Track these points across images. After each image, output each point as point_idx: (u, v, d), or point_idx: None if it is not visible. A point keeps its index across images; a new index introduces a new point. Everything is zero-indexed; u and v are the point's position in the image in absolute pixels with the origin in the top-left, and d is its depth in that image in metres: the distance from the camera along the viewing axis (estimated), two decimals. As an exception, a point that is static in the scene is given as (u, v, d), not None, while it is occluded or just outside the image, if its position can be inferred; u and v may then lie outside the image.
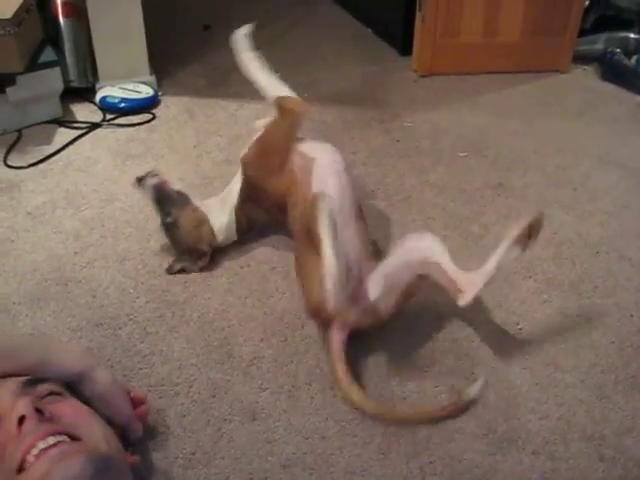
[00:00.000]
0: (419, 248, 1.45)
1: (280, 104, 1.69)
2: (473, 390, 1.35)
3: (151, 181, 1.65)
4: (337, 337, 1.39)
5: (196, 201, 1.70)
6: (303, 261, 1.49)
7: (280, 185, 1.63)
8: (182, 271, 1.68)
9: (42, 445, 0.86)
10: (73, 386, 1.12)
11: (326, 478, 1.22)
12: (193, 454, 1.26)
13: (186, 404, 1.35)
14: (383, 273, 1.43)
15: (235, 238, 1.74)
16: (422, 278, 1.44)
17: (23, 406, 0.88)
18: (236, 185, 1.73)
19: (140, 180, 1.66)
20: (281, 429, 1.30)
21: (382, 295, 1.41)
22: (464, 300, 1.40)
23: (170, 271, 1.67)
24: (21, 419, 0.87)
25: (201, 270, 1.68)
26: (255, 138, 1.71)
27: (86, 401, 1.11)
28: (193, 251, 1.67)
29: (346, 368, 1.35)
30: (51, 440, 0.89)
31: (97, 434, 1.01)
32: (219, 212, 1.71)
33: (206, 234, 1.68)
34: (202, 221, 1.68)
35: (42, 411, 0.94)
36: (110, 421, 1.13)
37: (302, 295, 1.52)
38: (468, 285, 1.41)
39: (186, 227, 1.66)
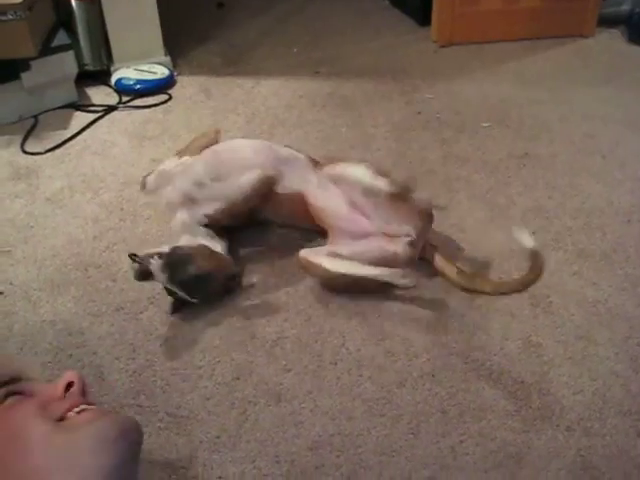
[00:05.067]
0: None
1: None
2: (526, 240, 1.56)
3: (148, 264, 1.42)
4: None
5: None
6: None
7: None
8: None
9: (84, 407, 0.89)
10: None
11: (354, 460, 1.19)
12: (218, 437, 1.23)
13: (210, 387, 1.33)
14: None
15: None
16: None
17: (72, 375, 0.92)
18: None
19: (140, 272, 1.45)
20: (307, 410, 1.27)
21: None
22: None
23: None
24: (69, 385, 0.91)
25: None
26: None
27: None
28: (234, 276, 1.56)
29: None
30: (91, 406, 0.94)
31: None
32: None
33: (226, 265, 1.53)
34: (208, 249, 1.53)
35: None
36: None
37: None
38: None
39: (213, 278, 1.49)
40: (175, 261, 1.43)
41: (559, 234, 1.69)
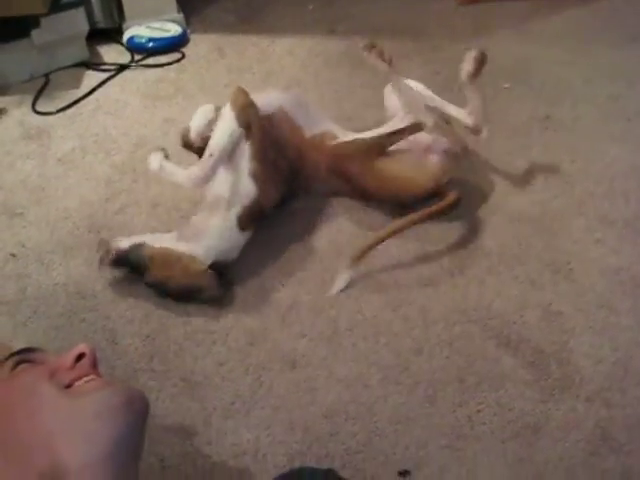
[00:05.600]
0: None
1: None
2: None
3: (107, 261, 1.42)
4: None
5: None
6: (381, 173, 1.55)
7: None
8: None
9: (92, 377, 0.89)
10: None
11: (370, 428, 1.17)
12: (232, 403, 1.22)
13: (223, 352, 1.32)
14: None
15: (236, 255, 1.48)
16: None
17: (84, 347, 0.92)
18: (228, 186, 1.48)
19: (102, 261, 1.44)
20: (322, 377, 1.26)
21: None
22: (476, 124, 1.60)
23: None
24: (79, 356, 0.90)
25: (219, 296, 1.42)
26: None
27: None
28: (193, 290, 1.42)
29: None
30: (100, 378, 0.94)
31: None
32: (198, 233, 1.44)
33: (195, 274, 1.39)
34: (181, 259, 1.39)
35: None
36: None
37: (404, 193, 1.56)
38: (473, 114, 1.60)
39: (177, 281, 1.40)
40: (130, 262, 1.42)
41: (581, 199, 1.64)
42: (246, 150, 1.48)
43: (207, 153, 1.45)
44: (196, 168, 1.45)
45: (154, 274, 1.40)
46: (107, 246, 1.43)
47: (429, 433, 1.17)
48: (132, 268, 1.43)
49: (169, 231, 1.50)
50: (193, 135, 1.60)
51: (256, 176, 1.48)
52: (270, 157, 1.52)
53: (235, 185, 1.47)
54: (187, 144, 1.63)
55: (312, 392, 1.24)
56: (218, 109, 1.58)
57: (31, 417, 0.81)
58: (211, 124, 1.55)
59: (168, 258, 1.39)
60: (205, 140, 1.51)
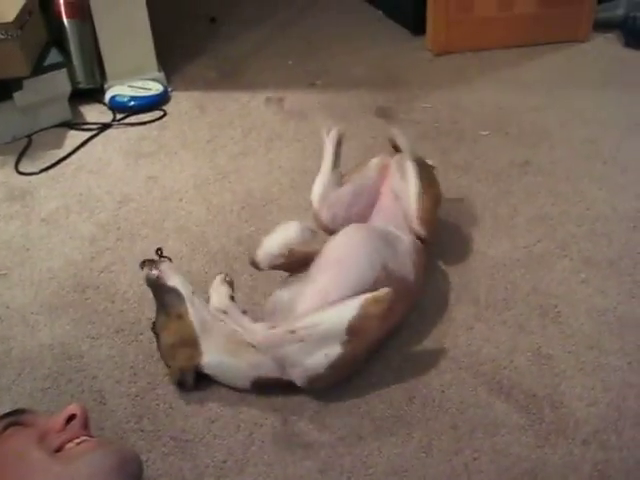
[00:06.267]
0: None
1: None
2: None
3: (149, 273, 1.35)
4: None
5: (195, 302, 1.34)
6: None
7: None
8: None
9: (84, 438, 0.90)
10: None
11: (366, 481, 1.15)
12: (224, 462, 1.20)
13: (214, 409, 1.30)
14: None
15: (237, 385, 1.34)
16: None
17: (75, 407, 0.93)
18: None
19: (144, 264, 1.37)
20: (315, 431, 1.24)
21: None
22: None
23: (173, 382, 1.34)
24: (70, 417, 0.91)
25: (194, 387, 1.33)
26: None
27: None
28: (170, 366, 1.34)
29: None
30: (91, 439, 0.94)
31: None
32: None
33: (182, 359, 1.31)
34: (184, 341, 1.31)
35: None
36: None
37: None
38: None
39: (164, 341, 1.34)
40: (155, 293, 1.36)
41: (564, 242, 1.66)
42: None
43: (293, 328, 1.22)
44: (265, 335, 1.23)
45: (165, 333, 1.33)
46: (158, 263, 1.36)
47: (426, 484, 1.15)
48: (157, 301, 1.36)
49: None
50: (261, 256, 1.36)
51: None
52: None
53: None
54: (254, 263, 1.38)
55: (306, 447, 1.21)
56: (305, 231, 1.34)
57: None
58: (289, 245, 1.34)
59: (184, 331, 1.31)
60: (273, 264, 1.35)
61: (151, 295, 1.38)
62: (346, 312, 1.22)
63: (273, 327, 1.23)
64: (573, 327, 1.43)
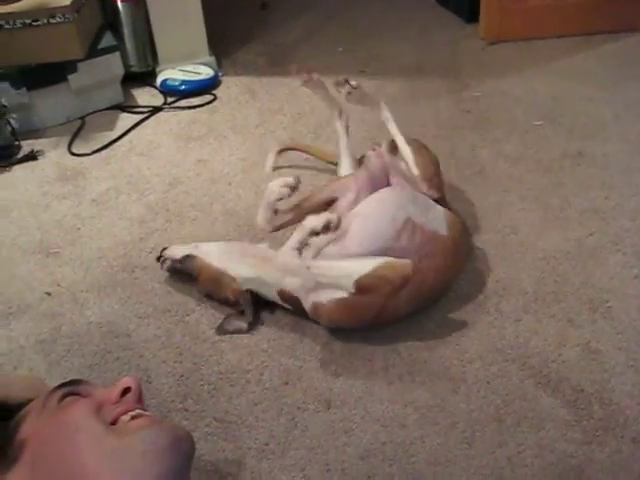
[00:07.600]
0: None
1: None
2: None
3: (166, 267, 1.55)
4: None
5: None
6: None
7: None
8: (234, 333, 1.44)
9: (138, 412, 0.91)
10: None
11: (407, 469, 1.15)
12: (266, 444, 1.20)
13: (258, 392, 1.30)
14: None
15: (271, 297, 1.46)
16: None
17: (130, 380, 0.94)
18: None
19: (159, 260, 1.56)
20: (358, 417, 1.24)
21: None
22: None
23: (219, 332, 1.45)
24: (125, 390, 0.92)
25: (249, 330, 1.43)
26: None
27: None
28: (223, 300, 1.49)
29: None
30: (145, 413, 0.95)
31: None
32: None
33: (225, 290, 1.46)
34: (216, 280, 1.46)
35: None
36: None
37: None
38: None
39: (210, 291, 1.50)
40: (183, 271, 1.53)
41: (617, 236, 1.62)
42: None
43: (310, 265, 1.29)
44: (285, 257, 1.32)
45: (202, 285, 1.50)
46: (163, 254, 1.54)
47: (468, 475, 1.13)
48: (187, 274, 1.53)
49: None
50: (259, 221, 1.51)
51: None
52: None
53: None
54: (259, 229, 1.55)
55: (348, 432, 1.21)
56: (283, 187, 1.43)
57: (78, 455, 0.81)
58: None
59: (212, 274, 1.47)
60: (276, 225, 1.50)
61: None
62: (358, 268, 1.29)
63: (299, 251, 1.29)
64: (624, 323, 1.39)
